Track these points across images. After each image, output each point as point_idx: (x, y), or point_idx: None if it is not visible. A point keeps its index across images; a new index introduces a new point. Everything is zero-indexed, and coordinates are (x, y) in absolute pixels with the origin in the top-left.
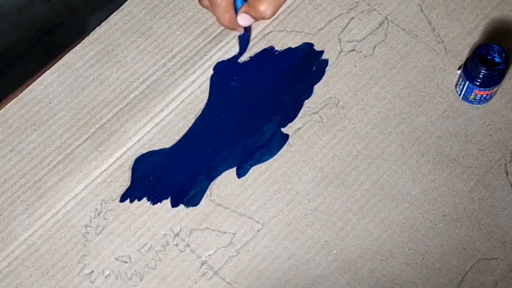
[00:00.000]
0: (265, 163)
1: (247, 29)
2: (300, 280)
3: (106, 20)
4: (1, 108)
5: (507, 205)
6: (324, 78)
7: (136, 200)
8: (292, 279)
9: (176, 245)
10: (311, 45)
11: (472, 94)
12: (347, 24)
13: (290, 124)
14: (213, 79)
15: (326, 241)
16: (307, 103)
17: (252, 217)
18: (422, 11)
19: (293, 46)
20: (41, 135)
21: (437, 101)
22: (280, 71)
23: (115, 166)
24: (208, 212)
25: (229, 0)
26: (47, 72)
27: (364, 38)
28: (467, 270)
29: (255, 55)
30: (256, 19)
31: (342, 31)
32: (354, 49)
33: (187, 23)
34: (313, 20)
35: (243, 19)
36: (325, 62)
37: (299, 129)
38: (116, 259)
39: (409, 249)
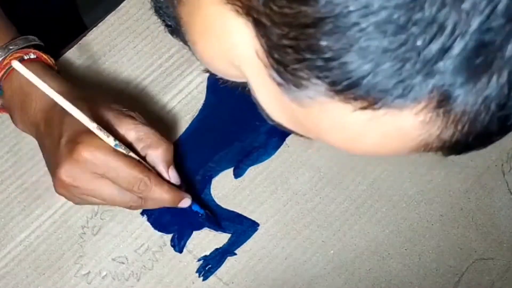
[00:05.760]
0: (262, 163)
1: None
2: (298, 281)
3: (102, 21)
4: None
5: (504, 205)
6: None
7: None
8: (289, 280)
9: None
10: None
11: None
12: None
13: None
14: (210, 79)
15: (323, 241)
16: None
17: (249, 218)
18: None
19: None
20: None
21: None
22: None
23: None
24: None
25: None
26: None
27: None
28: (464, 270)
29: None
30: (170, 160)
31: None
32: None
33: None
34: None
35: (173, 174)
36: None
37: None
38: (113, 259)
39: (406, 249)
